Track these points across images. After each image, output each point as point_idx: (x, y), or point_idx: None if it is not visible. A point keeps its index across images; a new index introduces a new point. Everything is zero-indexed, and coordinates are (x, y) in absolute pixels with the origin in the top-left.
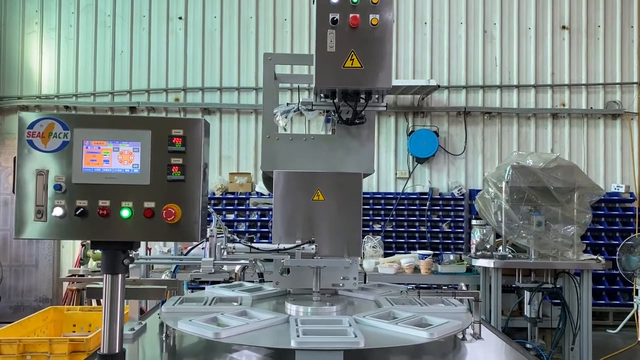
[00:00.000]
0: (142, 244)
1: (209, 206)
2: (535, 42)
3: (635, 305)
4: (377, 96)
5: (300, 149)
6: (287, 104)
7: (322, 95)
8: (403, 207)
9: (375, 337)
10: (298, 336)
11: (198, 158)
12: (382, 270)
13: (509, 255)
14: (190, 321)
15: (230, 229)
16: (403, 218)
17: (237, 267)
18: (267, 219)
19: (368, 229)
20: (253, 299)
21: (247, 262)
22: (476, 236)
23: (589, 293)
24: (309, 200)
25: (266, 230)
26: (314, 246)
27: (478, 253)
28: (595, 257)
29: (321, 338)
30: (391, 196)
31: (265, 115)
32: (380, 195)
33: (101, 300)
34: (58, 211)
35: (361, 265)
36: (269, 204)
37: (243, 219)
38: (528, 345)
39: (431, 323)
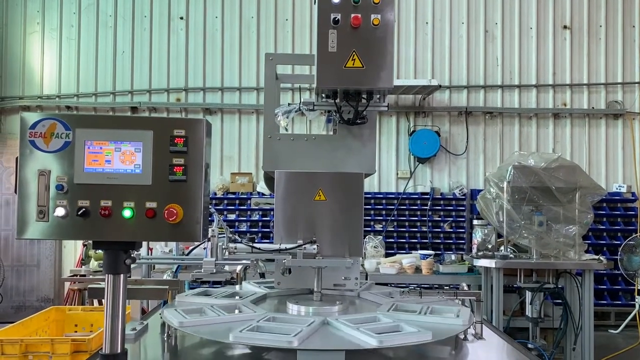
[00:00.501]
0: (144, 244)
1: (210, 206)
2: (536, 42)
3: (637, 306)
4: (378, 96)
5: (302, 149)
6: (289, 104)
7: (323, 95)
8: (404, 207)
9: (321, 339)
10: (240, 331)
11: (200, 158)
12: (384, 270)
13: (511, 256)
14: (174, 310)
15: (231, 229)
16: (404, 218)
17: (239, 267)
18: (268, 219)
19: (369, 229)
20: (267, 296)
21: (249, 262)
22: (478, 236)
23: (591, 293)
24: (310, 200)
25: (267, 230)
26: (315, 246)
27: (479, 253)
28: (596, 257)
29: (259, 335)
30: (392, 196)
31: (266, 115)
32: (381, 195)
33: (103, 300)
34: (60, 211)
35: (363, 265)
36: (270, 204)
37: (244, 219)
38: (530, 346)
39: (400, 330)
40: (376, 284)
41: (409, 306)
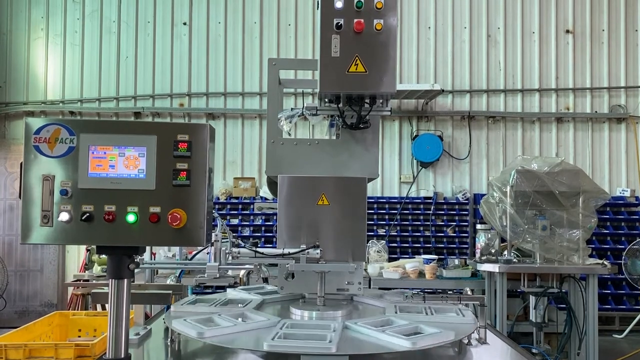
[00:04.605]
0: (147, 248)
1: (213, 211)
2: (539, 46)
3: None
4: (381, 101)
5: (305, 154)
6: (292, 108)
7: (326, 100)
8: (407, 211)
9: (355, 343)
10: (272, 339)
11: (203, 163)
12: (387, 274)
13: (514, 260)
14: (184, 320)
15: (234, 234)
16: (407, 222)
17: (242, 272)
18: (271, 223)
19: (372, 233)
20: (264, 302)
21: (252, 266)
22: (481, 240)
23: (595, 297)
24: (313, 204)
25: (270, 234)
26: (318, 251)
27: (483, 257)
28: (600, 261)
29: (294, 342)
30: (395, 200)
31: (269, 120)
32: (384, 200)
33: (106, 305)
34: (64, 216)
35: (366, 269)
36: (273, 208)
37: (247, 223)
38: (534, 350)
39: (423, 332)
40: (379, 288)
41: (396, 321)
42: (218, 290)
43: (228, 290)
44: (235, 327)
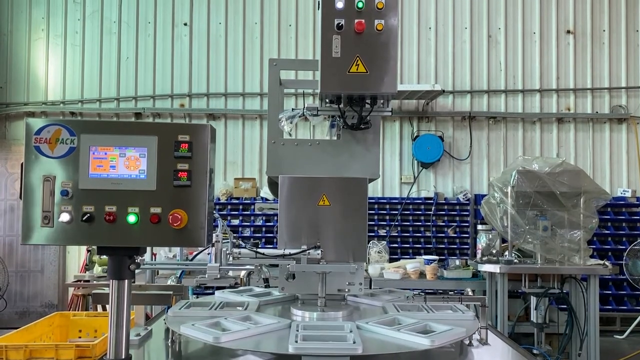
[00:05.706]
0: (148, 249)
1: (214, 211)
2: (540, 47)
3: None
4: (382, 101)
5: (306, 154)
6: (292, 109)
7: (327, 100)
8: (408, 212)
9: (376, 343)
10: (296, 342)
11: (204, 163)
12: (388, 275)
13: (515, 261)
14: (192, 325)
15: (235, 234)
16: (408, 223)
17: (243, 273)
18: (272, 224)
19: (373, 234)
20: (260, 304)
21: (253, 267)
22: (482, 241)
23: (596, 298)
24: (314, 205)
25: (271, 235)
26: (319, 251)
27: (484, 258)
28: (602, 262)
29: (319, 344)
30: (396, 201)
31: (270, 121)
32: (385, 200)
33: (107, 305)
34: (65, 217)
35: (366, 270)
36: (274, 209)
37: (248, 224)
38: (535, 351)
39: (435, 330)
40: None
41: (404, 319)
42: (207, 292)
43: (216, 292)
44: (249, 330)
